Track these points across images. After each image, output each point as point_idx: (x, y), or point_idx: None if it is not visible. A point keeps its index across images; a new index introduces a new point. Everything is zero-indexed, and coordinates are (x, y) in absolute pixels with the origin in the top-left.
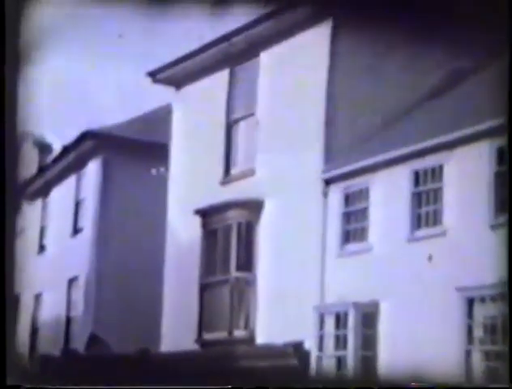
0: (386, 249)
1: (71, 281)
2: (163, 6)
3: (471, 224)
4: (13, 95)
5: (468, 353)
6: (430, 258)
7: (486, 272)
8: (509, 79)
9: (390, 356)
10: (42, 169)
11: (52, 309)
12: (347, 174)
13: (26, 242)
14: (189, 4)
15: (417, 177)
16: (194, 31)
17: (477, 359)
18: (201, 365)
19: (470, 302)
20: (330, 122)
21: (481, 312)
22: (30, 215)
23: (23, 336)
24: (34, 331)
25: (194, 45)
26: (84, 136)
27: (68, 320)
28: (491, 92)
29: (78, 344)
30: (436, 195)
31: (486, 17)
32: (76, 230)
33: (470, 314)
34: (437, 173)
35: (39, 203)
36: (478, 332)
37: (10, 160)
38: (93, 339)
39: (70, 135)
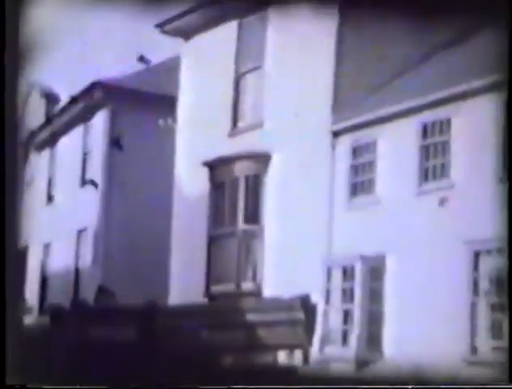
0: (394, 202)
1: (80, 232)
2: None
3: (478, 177)
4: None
5: (473, 305)
6: (442, 202)
7: (493, 225)
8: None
9: (397, 309)
10: (49, 119)
11: (61, 259)
12: (355, 127)
13: (34, 192)
14: None
15: (425, 130)
16: None
17: (482, 311)
18: (208, 318)
19: (476, 255)
20: (338, 75)
21: (487, 265)
22: (38, 165)
23: (33, 286)
24: (43, 280)
25: None
26: (93, 87)
27: (77, 271)
28: (497, 46)
29: (87, 295)
30: (444, 148)
31: None
32: (84, 181)
33: (476, 266)
34: (445, 125)
35: (46, 153)
36: (484, 285)
37: (15, 110)
38: (102, 291)
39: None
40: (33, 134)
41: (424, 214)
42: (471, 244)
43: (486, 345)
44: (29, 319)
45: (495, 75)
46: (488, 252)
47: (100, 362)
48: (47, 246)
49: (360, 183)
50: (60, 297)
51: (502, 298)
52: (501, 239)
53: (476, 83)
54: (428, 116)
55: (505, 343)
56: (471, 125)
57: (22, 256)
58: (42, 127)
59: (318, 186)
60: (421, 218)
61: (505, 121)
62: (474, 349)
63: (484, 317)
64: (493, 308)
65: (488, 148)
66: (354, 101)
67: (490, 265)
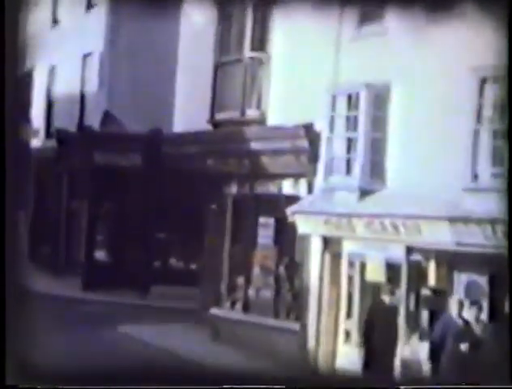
0: (402, 31)
1: (86, 57)
2: None
3: (489, 4)
4: None
5: (476, 133)
6: None
7: (501, 52)
8: None
9: (400, 138)
10: None
11: (66, 83)
12: None
13: (39, 14)
14: None
15: None
16: None
17: (484, 138)
18: (213, 146)
19: (482, 82)
20: None
21: (492, 92)
22: None
23: (39, 109)
24: (49, 104)
25: None
26: None
27: (82, 96)
28: None
29: (93, 120)
30: None
31: None
32: (90, 5)
33: (481, 93)
34: None
35: None
36: (487, 112)
37: None
38: (107, 117)
39: None
40: None
41: (431, 42)
42: (477, 70)
43: (487, 172)
44: (36, 142)
45: None
46: (495, 79)
47: (104, 186)
48: (52, 69)
49: (370, 12)
50: (66, 121)
51: (505, 125)
52: (507, 66)
53: None
54: None
55: (504, 170)
56: None
57: (28, 78)
58: None
59: (326, 16)
60: (429, 46)
61: None
62: (475, 176)
63: (486, 144)
64: (495, 135)
65: None
66: None
67: (495, 92)
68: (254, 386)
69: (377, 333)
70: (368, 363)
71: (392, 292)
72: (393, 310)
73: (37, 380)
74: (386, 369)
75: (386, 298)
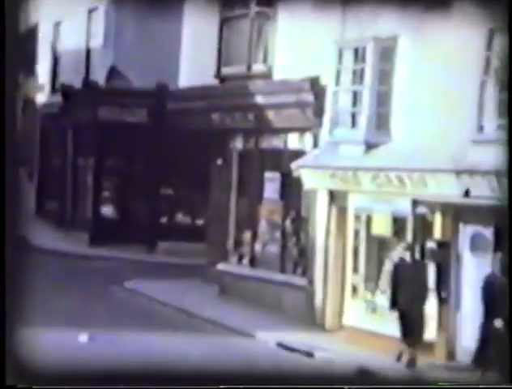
0: None
1: (91, 12)
2: None
3: None
4: None
5: (484, 84)
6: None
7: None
8: None
9: (406, 90)
10: None
11: (72, 39)
12: None
13: None
14: None
15: None
16: None
17: (491, 90)
18: (219, 100)
19: (491, 34)
20: None
21: (500, 43)
22: None
23: (44, 65)
24: (55, 59)
25: None
26: None
27: (88, 52)
28: None
29: (99, 76)
30: None
31: None
32: None
33: (490, 45)
34: None
35: None
36: (495, 63)
37: None
38: (113, 73)
39: None
40: None
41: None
42: (485, 21)
43: (492, 124)
44: (41, 97)
45: None
46: (503, 30)
47: (110, 142)
48: (57, 25)
49: None
50: (71, 76)
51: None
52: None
53: None
54: None
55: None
56: None
57: (33, 34)
58: None
59: None
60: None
61: None
62: (480, 128)
63: (492, 96)
64: (502, 87)
65: None
66: None
67: (503, 44)
68: (255, 386)
69: (403, 292)
70: (404, 330)
71: (411, 249)
72: (418, 266)
73: (37, 380)
74: (418, 330)
75: (406, 255)
